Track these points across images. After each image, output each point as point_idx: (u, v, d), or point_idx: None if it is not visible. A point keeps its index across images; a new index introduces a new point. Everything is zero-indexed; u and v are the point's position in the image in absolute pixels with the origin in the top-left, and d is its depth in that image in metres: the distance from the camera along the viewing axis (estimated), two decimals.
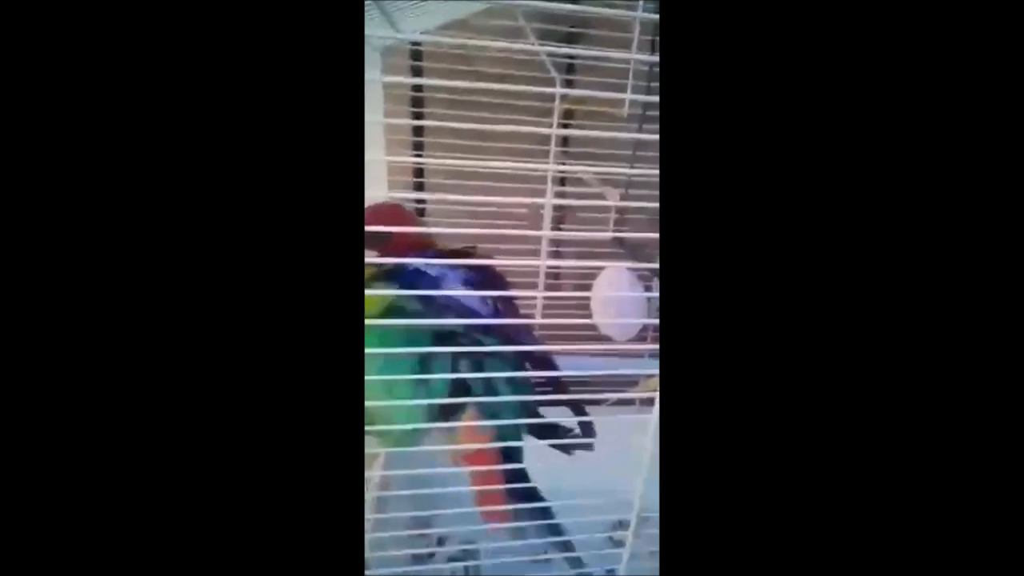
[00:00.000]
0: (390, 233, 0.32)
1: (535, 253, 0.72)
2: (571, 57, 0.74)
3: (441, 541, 0.63)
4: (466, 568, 0.60)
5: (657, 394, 0.34)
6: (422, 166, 0.76)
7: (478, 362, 0.44)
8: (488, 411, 0.45)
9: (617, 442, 0.39)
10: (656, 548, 0.43)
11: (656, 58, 0.28)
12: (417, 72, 0.73)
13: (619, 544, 0.45)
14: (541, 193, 0.70)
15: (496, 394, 0.44)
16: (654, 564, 0.44)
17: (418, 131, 0.75)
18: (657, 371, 0.33)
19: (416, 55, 0.74)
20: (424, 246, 0.49)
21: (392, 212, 0.54)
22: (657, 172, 0.26)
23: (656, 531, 0.41)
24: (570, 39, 0.72)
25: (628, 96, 0.37)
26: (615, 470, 0.40)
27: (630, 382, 0.64)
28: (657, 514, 0.39)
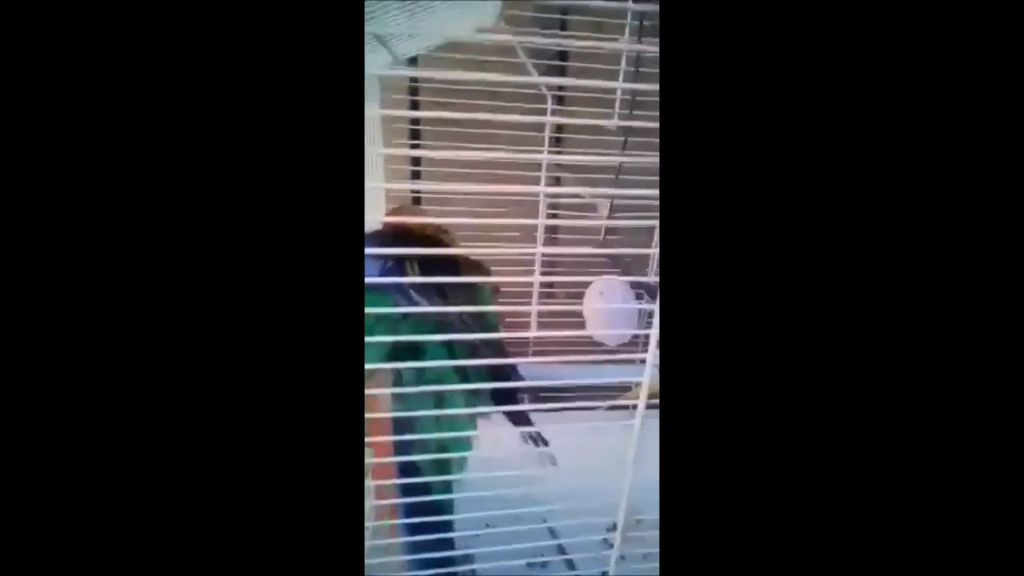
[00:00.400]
0: None
1: (529, 271, 0.74)
2: (563, 69, 0.78)
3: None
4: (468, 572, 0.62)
5: (640, 401, 0.36)
6: (419, 194, 0.79)
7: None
8: (405, 381, 0.44)
9: (605, 446, 0.40)
10: (649, 550, 0.45)
11: (639, 86, 0.31)
12: (414, 94, 0.76)
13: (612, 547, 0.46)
14: (534, 210, 0.73)
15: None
16: (647, 566, 0.46)
17: (416, 159, 0.78)
18: (642, 378, 0.36)
19: (413, 81, 0.77)
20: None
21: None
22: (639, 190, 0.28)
23: (647, 534, 0.42)
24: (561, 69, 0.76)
25: (615, 122, 0.40)
26: (605, 474, 0.42)
27: (621, 388, 0.66)
28: (648, 517, 0.41)
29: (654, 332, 0.34)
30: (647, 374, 0.34)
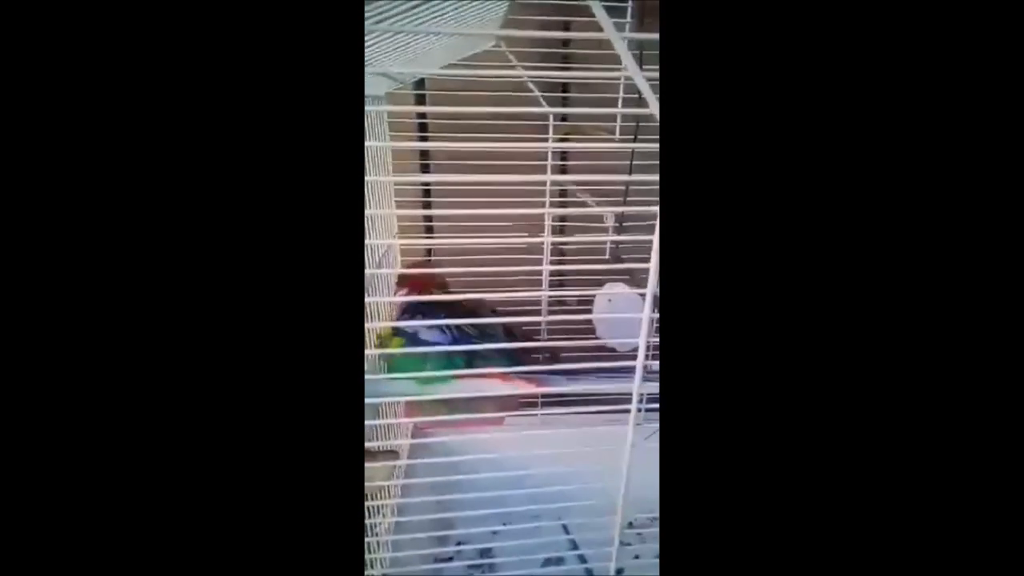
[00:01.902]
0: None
1: (538, 284, 0.78)
2: (564, 90, 0.81)
3: (460, 544, 0.67)
4: (483, 570, 0.64)
5: (632, 405, 0.40)
6: (431, 216, 0.83)
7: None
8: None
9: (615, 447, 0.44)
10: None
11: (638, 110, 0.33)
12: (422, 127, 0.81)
13: (627, 545, 0.49)
14: (540, 228, 0.77)
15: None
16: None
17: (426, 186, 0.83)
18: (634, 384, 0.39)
19: (420, 100, 0.82)
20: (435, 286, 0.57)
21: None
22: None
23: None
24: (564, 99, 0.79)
25: (617, 146, 0.43)
26: (615, 474, 0.44)
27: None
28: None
29: (642, 338, 0.37)
30: (636, 380, 0.38)
